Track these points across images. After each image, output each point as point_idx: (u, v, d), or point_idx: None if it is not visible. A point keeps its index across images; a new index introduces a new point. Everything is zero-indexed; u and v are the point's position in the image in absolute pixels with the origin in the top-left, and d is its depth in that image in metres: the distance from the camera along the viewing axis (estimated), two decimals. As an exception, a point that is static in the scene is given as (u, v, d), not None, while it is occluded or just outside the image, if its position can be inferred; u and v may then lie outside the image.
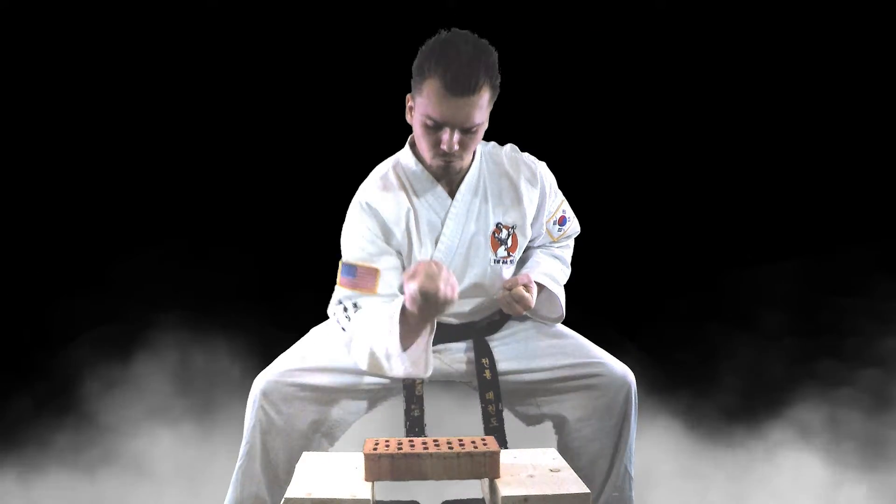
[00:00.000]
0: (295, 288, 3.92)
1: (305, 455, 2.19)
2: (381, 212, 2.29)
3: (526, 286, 2.33)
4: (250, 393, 2.42)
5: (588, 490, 1.95)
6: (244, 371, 2.65)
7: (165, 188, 4.09)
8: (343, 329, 2.27)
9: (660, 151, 4.23)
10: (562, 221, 2.51)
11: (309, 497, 1.89)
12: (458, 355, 2.49)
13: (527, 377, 2.47)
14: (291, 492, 1.92)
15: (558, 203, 2.49)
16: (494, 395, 2.43)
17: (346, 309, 2.28)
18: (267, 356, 2.51)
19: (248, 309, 3.97)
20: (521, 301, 2.33)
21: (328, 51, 4.07)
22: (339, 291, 2.29)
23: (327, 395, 2.43)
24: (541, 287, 2.43)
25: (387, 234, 2.30)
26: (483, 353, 2.46)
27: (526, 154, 2.44)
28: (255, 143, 4.10)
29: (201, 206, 4.07)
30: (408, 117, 2.29)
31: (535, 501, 1.90)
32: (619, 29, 4.11)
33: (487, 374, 2.44)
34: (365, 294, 2.25)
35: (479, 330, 2.47)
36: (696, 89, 4.16)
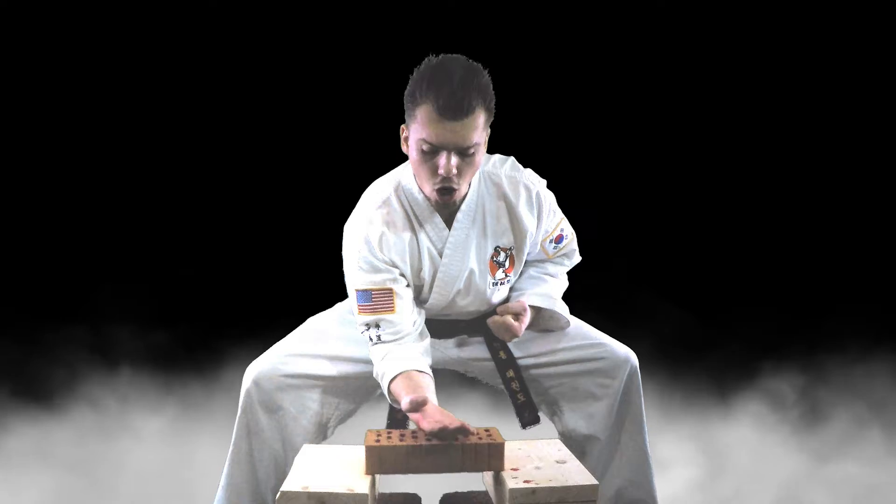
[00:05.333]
0: (295, 277, 3.94)
1: (306, 447, 2.15)
2: (387, 243, 2.26)
3: (518, 315, 2.35)
4: (243, 381, 2.38)
5: (596, 482, 1.92)
6: (240, 359, 2.65)
7: (166, 188, 4.12)
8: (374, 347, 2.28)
9: (660, 150, 4.25)
10: (558, 240, 2.46)
11: (305, 490, 1.86)
12: (450, 342, 2.49)
13: (528, 362, 2.45)
14: (288, 485, 1.89)
15: (556, 222, 2.44)
16: (515, 372, 2.43)
17: (370, 339, 2.27)
18: (264, 345, 2.48)
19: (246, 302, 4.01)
20: (510, 330, 2.34)
21: (328, 52, 4.06)
22: (360, 318, 2.27)
23: (320, 384, 2.40)
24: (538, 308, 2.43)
25: (394, 263, 2.28)
26: (493, 336, 2.43)
27: (527, 172, 2.36)
28: (253, 144, 4.11)
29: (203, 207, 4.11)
30: (403, 147, 2.25)
31: (543, 493, 1.88)
32: (619, 29, 4.11)
33: (502, 353, 2.43)
34: (386, 314, 2.24)
35: (480, 320, 2.44)
36: (697, 89, 4.17)
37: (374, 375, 2.27)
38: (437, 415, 2.01)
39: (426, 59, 2.16)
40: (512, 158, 2.38)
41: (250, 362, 2.41)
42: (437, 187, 2.19)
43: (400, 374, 2.19)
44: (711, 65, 4.17)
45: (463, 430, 1.97)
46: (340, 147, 3.96)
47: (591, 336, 2.47)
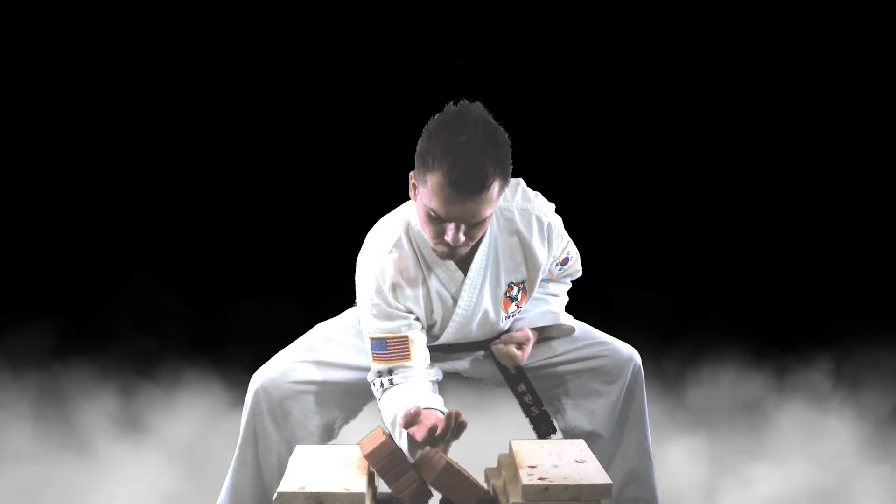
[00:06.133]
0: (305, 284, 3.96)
1: (299, 448, 2.15)
2: (402, 291, 2.20)
3: (521, 344, 2.35)
4: (249, 387, 2.36)
5: (611, 482, 1.90)
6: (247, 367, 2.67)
7: (171, 191, 4.14)
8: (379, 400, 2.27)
9: (658, 150, 4.25)
10: (564, 262, 2.42)
11: (302, 491, 1.83)
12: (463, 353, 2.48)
13: (533, 366, 2.42)
14: (284, 486, 1.87)
15: (563, 246, 2.39)
16: (526, 386, 2.39)
17: (383, 384, 2.22)
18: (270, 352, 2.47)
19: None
20: (513, 360, 2.35)
21: (328, 52, 4.09)
22: (375, 366, 2.22)
23: (327, 391, 2.38)
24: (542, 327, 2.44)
25: (409, 309, 2.23)
26: None
27: (537, 200, 2.27)
28: (261, 149, 4.14)
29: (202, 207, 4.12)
30: (411, 194, 2.15)
31: (555, 491, 1.86)
32: (619, 29, 4.12)
33: (511, 369, 2.41)
34: (401, 362, 2.20)
35: (487, 341, 2.43)
36: (697, 90, 4.18)
37: (388, 423, 2.17)
38: (429, 420, 1.95)
39: (444, 111, 2.05)
40: (522, 185, 2.29)
41: (257, 368, 2.38)
42: (442, 248, 2.11)
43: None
44: (710, 66, 4.18)
45: (451, 418, 1.92)
46: (350, 152, 3.96)
47: (595, 336, 2.44)
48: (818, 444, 3.30)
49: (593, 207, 3.94)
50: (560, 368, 2.42)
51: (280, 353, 2.41)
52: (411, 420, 1.96)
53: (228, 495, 2.36)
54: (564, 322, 2.42)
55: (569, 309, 2.49)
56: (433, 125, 2.04)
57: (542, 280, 2.42)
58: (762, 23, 4.13)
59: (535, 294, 2.41)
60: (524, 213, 2.25)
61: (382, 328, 2.19)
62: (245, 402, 2.37)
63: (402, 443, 2.07)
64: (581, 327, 2.47)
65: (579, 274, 2.52)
